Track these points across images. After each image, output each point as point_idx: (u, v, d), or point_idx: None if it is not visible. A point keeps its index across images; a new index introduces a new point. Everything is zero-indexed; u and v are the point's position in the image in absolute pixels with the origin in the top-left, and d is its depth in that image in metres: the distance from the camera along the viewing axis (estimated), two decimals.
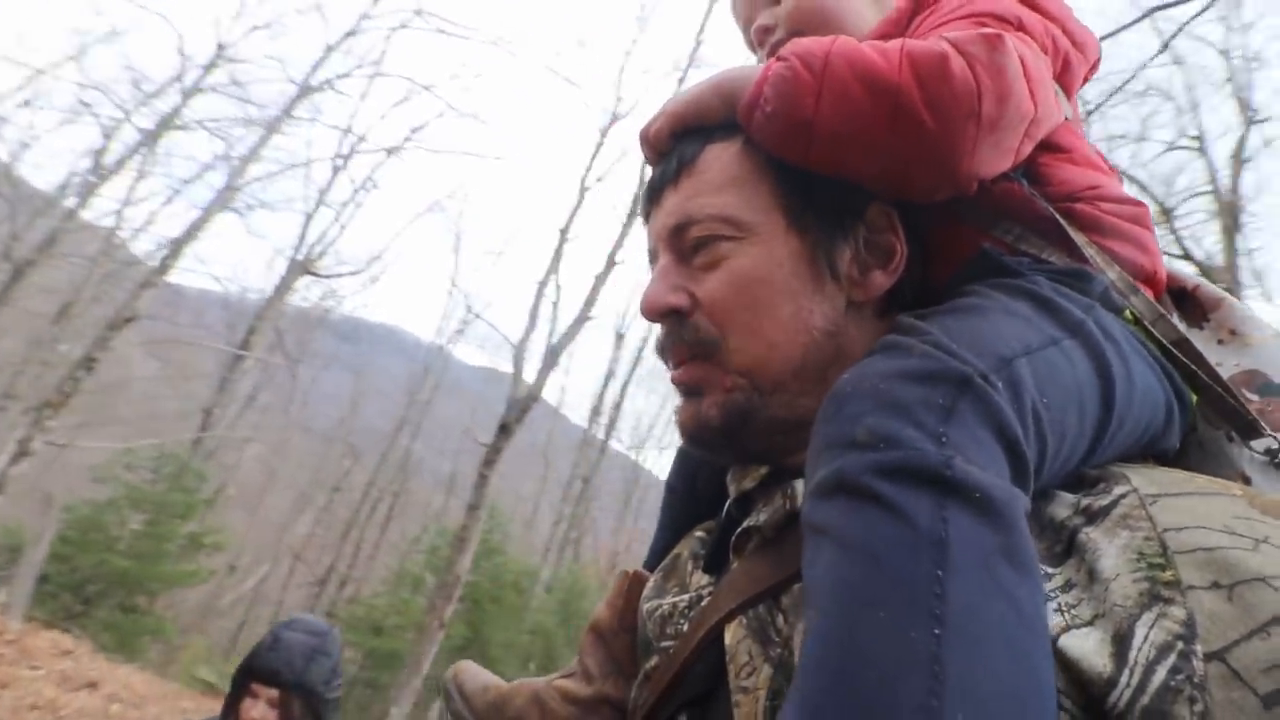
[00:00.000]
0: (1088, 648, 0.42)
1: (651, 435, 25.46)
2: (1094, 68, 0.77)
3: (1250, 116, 10.03)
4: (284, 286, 17.24)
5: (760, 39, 0.88)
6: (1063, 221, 0.63)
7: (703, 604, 0.65)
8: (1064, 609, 0.44)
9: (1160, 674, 0.39)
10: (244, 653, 2.00)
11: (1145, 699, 0.39)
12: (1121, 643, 0.41)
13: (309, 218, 17.68)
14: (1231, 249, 9.04)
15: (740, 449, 0.64)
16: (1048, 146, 0.68)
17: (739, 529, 0.61)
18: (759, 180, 0.63)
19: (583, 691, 0.72)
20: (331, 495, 20.85)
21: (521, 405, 11.69)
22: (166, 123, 14.85)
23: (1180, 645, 0.40)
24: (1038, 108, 0.60)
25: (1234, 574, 0.41)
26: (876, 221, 0.64)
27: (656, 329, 0.66)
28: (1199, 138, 10.28)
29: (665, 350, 0.65)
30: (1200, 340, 0.67)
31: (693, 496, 0.82)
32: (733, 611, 0.57)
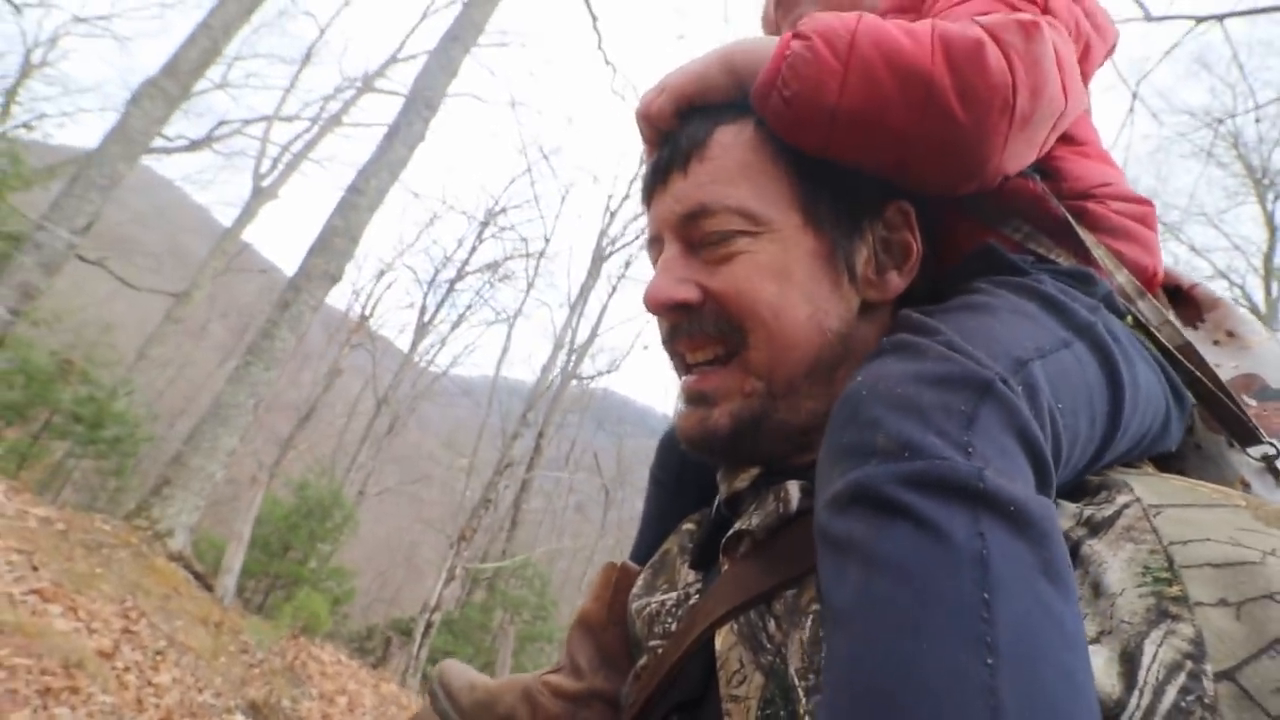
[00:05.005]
0: (1096, 667, 0.40)
1: None
2: (1110, 52, 0.72)
3: None
4: (560, 392, 20.08)
5: (788, 8, 0.88)
6: (1074, 224, 0.61)
7: (691, 603, 0.64)
8: None
9: (1170, 695, 0.38)
10: None
11: None
12: (1130, 662, 0.39)
13: (574, 330, 20.61)
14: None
15: (743, 455, 0.63)
16: (1065, 139, 0.65)
17: (730, 530, 0.59)
18: (774, 170, 0.60)
19: (573, 686, 0.70)
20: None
21: None
22: (460, 274, 19.02)
23: (1190, 665, 0.38)
24: (1068, 100, 0.57)
25: (1242, 590, 0.40)
26: (894, 220, 0.61)
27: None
28: None
29: (674, 343, 0.63)
30: (1196, 340, 0.65)
31: (680, 488, 0.80)
32: (723, 617, 0.55)
